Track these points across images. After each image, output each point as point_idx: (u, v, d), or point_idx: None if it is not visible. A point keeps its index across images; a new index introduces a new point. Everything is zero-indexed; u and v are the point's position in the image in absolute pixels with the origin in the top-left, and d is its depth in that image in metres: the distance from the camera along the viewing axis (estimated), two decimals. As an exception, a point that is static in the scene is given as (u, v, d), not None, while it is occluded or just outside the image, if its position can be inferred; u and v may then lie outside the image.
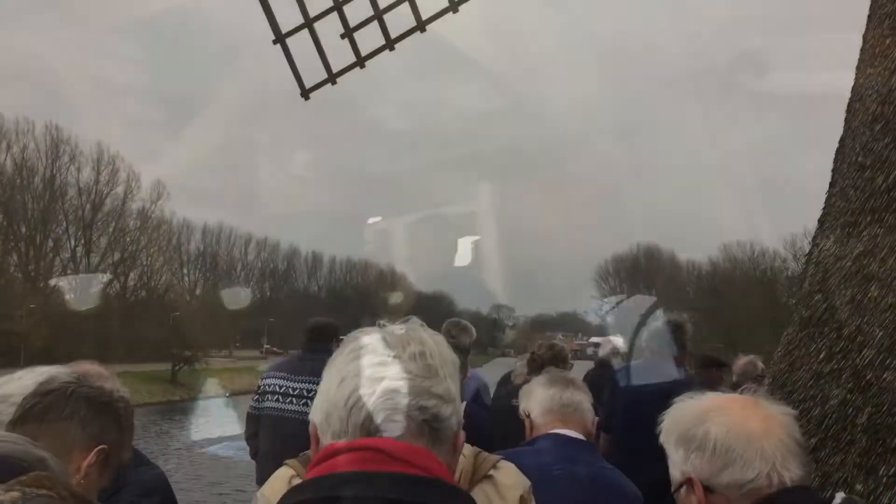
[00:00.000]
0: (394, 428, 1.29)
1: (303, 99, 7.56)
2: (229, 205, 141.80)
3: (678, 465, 1.83)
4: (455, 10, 6.64)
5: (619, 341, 5.86)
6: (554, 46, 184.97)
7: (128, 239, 71.32)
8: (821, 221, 3.98)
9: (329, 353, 3.80)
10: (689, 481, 1.78)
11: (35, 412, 1.92)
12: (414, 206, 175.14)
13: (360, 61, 7.14)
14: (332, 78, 7.34)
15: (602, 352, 6.66)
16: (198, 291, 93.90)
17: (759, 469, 1.69)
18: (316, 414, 1.39)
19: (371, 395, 1.31)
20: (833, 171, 4.11)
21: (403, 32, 6.88)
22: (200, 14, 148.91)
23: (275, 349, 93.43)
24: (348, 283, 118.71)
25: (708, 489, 1.73)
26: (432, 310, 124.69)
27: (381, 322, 1.56)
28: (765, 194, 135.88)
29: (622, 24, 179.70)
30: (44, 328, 50.34)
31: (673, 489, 1.85)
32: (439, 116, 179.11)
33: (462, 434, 1.41)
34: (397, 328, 1.46)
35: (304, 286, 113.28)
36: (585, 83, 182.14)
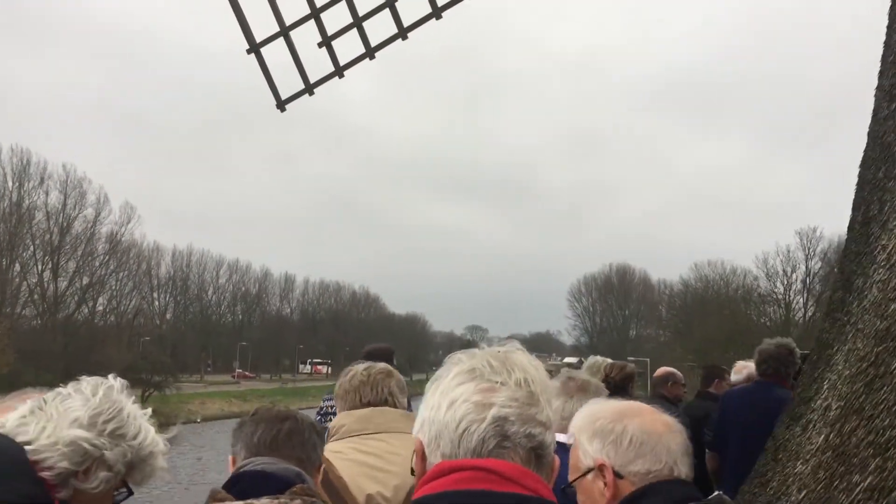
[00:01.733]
0: (504, 455, 1.38)
1: (279, 111, 7.33)
2: (200, 227, 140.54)
3: (590, 454, 2.08)
4: (438, 17, 6.46)
5: (752, 366, 6.13)
6: (521, 63, 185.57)
7: (97, 263, 70.08)
8: (880, 221, 3.44)
9: None
10: (601, 467, 2.05)
11: None
12: (386, 226, 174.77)
13: (339, 70, 6.92)
14: (309, 88, 7.11)
15: (736, 377, 6.74)
16: (168, 316, 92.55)
17: (665, 461, 2.00)
18: (423, 432, 1.46)
19: (482, 422, 1.39)
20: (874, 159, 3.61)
21: (384, 40, 6.67)
22: (171, 30, 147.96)
23: (247, 373, 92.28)
24: (321, 306, 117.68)
25: (617, 475, 2.02)
26: (406, 331, 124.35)
27: (483, 345, 1.59)
28: (735, 213, 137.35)
29: (589, 39, 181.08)
30: (9, 354, 49.21)
31: (579, 474, 2.10)
32: (408, 134, 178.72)
33: (556, 457, 1.49)
34: (498, 352, 1.51)
35: (277, 309, 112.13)
36: (551, 98, 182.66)
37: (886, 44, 3.64)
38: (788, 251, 54.40)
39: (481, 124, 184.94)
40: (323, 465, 2.31)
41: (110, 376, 2.03)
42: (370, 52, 6.73)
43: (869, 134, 3.67)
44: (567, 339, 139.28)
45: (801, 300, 54.43)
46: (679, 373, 7.35)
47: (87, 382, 1.96)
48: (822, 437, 3.06)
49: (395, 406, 3.01)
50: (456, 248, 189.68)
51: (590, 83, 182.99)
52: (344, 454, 2.79)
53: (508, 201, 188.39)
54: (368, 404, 2.97)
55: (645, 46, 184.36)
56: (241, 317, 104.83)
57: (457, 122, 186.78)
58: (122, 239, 72.98)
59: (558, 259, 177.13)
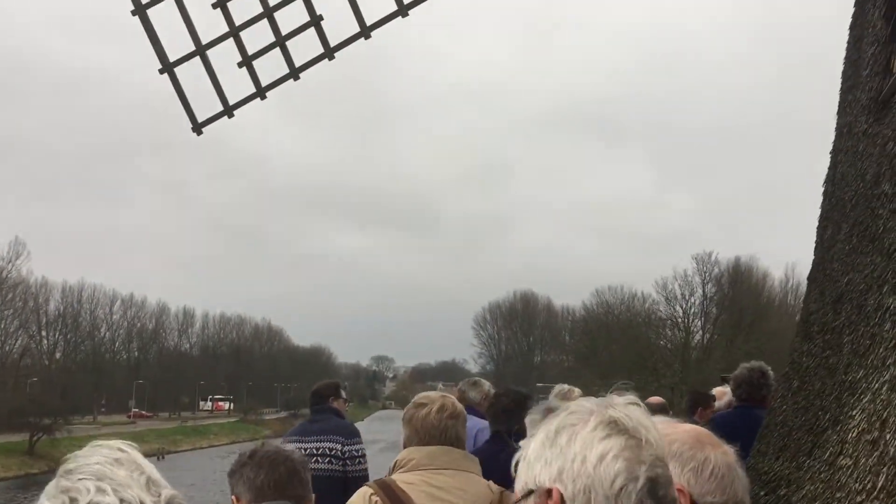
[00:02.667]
0: None
1: (195, 134, 6.91)
2: (92, 261, 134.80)
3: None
4: (367, 36, 6.21)
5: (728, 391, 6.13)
6: (423, 91, 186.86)
7: (-20, 301, 66.14)
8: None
9: (333, 412, 5.24)
10: (680, 492, 1.88)
11: None
12: (288, 257, 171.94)
13: (261, 92, 6.57)
14: (228, 111, 6.73)
15: (717, 403, 6.58)
16: (58, 355, 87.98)
17: (739, 496, 1.87)
18: (562, 483, 1.40)
19: (636, 481, 1.36)
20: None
21: (310, 60, 6.36)
22: (48, 51, 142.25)
23: (144, 413, 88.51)
24: (222, 340, 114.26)
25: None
26: (310, 364, 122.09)
27: (604, 393, 1.52)
28: (635, 238, 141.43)
29: (490, 66, 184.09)
30: None
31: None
32: (308, 163, 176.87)
33: None
34: (627, 404, 1.46)
35: (176, 344, 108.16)
36: (454, 126, 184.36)
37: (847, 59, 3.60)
38: (686, 275, 56.23)
39: (384, 153, 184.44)
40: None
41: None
42: (294, 73, 6.41)
43: (832, 151, 3.63)
44: (473, 367, 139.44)
45: (699, 323, 56.24)
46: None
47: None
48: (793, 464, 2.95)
49: (460, 447, 3.23)
50: (360, 277, 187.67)
51: (493, 109, 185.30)
52: (416, 485, 3.00)
53: (414, 230, 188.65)
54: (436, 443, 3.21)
55: (546, 71, 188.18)
56: (136, 354, 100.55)
57: (359, 151, 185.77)
58: (8, 276, 69.22)
59: (464, 287, 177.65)
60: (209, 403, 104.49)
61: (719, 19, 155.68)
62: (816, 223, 3.71)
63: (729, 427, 5.54)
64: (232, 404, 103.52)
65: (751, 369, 5.62)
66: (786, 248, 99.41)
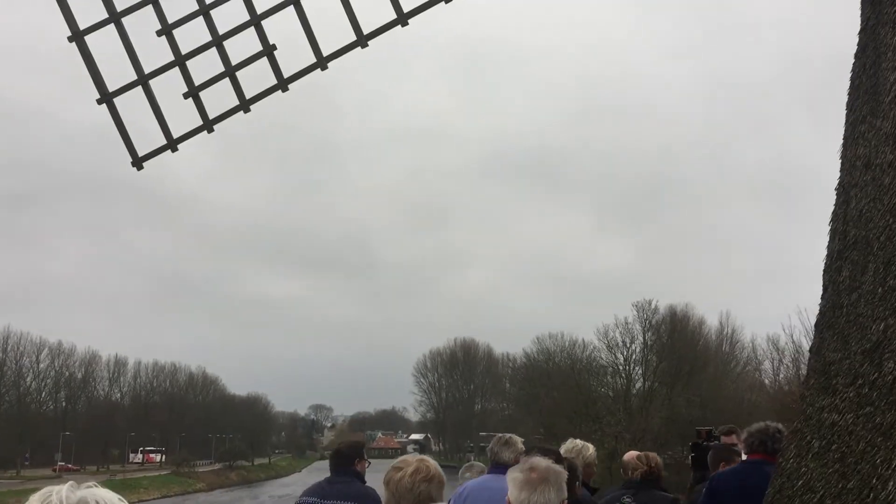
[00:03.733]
0: None
1: (135, 168, 6.46)
2: (17, 308, 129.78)
3: None
4: (324, 67, 5.89)
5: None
6: (355, 130, 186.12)
7: None
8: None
9: (355, 474, 5.09)
10: None
11: None
12: (223, 303, 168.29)
13: (208, 125, 6.17)
14: (172, 144, 6.32)
15: None
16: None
17: None
18: None
19: None
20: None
21: (261, 92, 6.01)
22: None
23: (70, 466, 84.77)
24: (155, 389, 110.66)
25: None
26: (247, 413, 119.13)
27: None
28: (575, 284, 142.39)
29: (429, 107, 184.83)
30: None
31: None
32: (241, 206, 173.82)
33: None
34: None
35: (106, 393, 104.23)
36: (390, 167, 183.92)
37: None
38: (627, 323, 56.65)
39: (320, 196, 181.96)
40: None
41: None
42: (245, 105, 6.05)
43: (839, 187, 3.40)
44: (413, 416, 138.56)
45: (640, 370, 56.50)
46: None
47: None
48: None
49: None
50: (297, 324, 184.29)
51: (429, 153, 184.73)
52: None
53: (351, 275, 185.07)
54: None
55: (484, 116, 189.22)
56: (64, 404, 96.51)
57: (295, 194, 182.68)
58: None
59: (403, 334, 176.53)
60: (140, 455, 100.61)
61: (668, 77, 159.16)
62: (823, 265, 3.47)
63: (736, 483, 5.39)
64: (164, 456, 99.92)
65: (767, 424, 5.49)
66: (719, 296, 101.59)
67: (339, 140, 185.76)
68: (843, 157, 3.60)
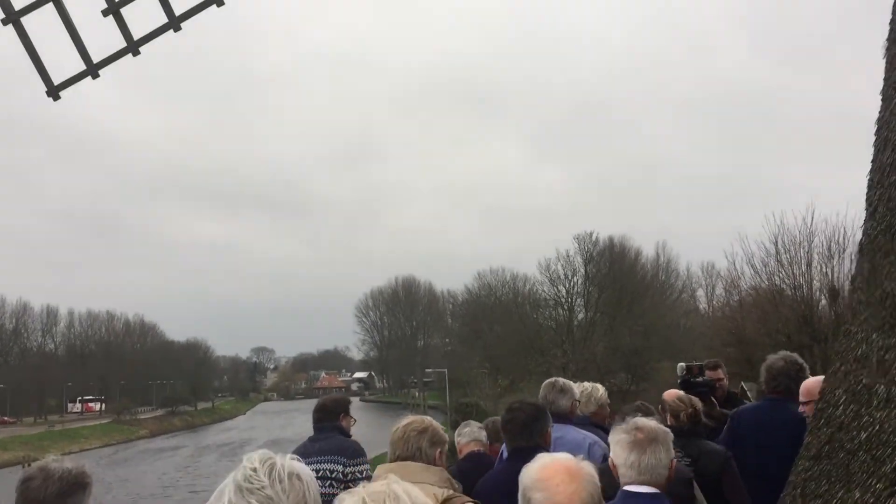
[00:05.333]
0: None
1: (50, 98, 5.69)
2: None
3: None
4: (220, 4, 5.21)
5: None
6: (284, 62, 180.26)
7: None
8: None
9: (339, 430, 5.06)
10: None
11: None
12: (154, 247, 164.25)
13: (133, 46, 5.44)
14: (92, 70, 5.56)
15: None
16: None
17: None
18: None
19: None
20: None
21: (195, 6, 5.29)
22: None
23: (6, 419, 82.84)
24: (91, 338, 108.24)
25: None
26: (187, 359, 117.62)
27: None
28: (513, 217, 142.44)
29: (355, 34, 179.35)
30: None
31: None
32: (164, 143, 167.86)
33: None
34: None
35: (39, 345, 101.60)
36: (319, 100, 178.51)
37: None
38: (568, 256, 56.96)
39: (247, 131, 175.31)
40: None
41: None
42: (174, 23, 5.32)
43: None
44: (356, 355, 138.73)
45: (582, 302, 57.11)
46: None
47: None
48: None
49: (422, 458, 3.51)
50: (234, 266, 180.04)
51: (358, 82, 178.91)
52: None
53: (286, 214, 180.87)
54: (399, 458, 3.52)
55: (415, 40, 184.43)
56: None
57: (219, 130, 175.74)
58: None
59: (343, 272, 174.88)
60: (79, 405, 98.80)
61: None
62: (868, 180, 3.06)
63: (754, 422, 5.14)
64: (104, 405, 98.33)
65: (786, 360, 5.13)
66: (655, 226, 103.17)
67: (262, 71, 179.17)
68: (890, 50, 3.15)
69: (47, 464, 3.00)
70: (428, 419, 3.70)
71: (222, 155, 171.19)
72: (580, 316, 56.64)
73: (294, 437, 71.02)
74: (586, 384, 5.58)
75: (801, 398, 4.60)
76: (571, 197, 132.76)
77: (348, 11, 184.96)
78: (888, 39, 3.25)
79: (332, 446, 5.44)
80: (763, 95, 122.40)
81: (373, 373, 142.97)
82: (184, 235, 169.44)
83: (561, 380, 5.19)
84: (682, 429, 4.75)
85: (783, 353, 5.33)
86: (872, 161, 3.16)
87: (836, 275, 30.28)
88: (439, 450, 3.61)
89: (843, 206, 33.11)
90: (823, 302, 30.66)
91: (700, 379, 6.49)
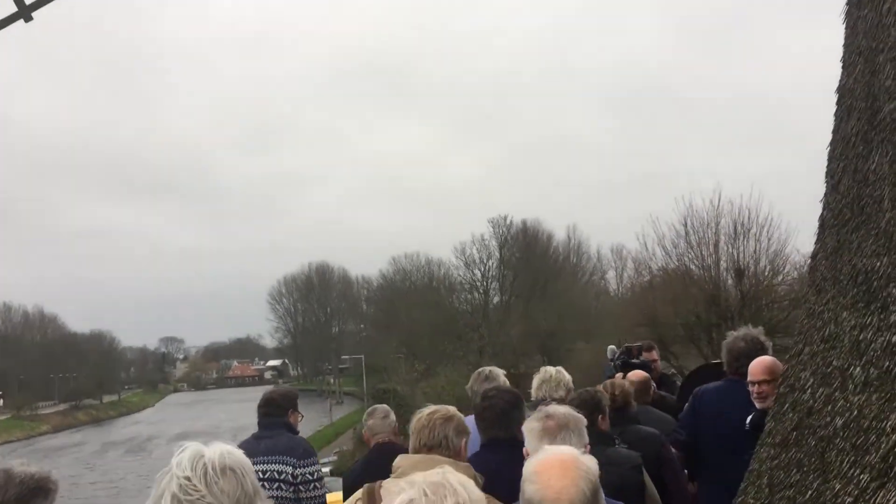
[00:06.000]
0: None
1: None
2: None
3: None
4: None
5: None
6: (185, 36, 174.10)
7: None
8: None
9: (287, 427, 4.66)
10: None
11: None
12: (50, 233, 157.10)
13: (25, 11, 4.91)
14: (25, 12, 5.02)
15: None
16: None
17: None
18: None
19: None
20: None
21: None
22: None
23: None
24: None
25: None
26: (92, 351, 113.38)
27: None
28: (428, 201, 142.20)
29: (261, 13, 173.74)
30: None
31: None
32: (54, 122, 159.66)
33: None
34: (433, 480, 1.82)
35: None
36: (225, 78, 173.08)
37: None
38: (483, 239, 57.26)
39: (151, 112, 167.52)
40: None
41: None
42: (72, -15, 4.84)
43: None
44: (270, 342, 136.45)
45: (497, 285, 57.59)
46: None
47: None
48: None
49: (448, 447, 3.35)
50: (138, 253, 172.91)
51: (269, 63, 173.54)
52: (395, 494, 2.85)
53: (192, 199, 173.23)
54: (425, 446, 3.36)
55: (330, 21, 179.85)
56: None
57: (122, 109, 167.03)
58: None
59: (255, 259, 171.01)
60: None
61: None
62: (828, 151, 2.92)
63: (716, 401, 5.05)
64: (2, 401, 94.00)
65: (747, 339, 4.97)
66: (567, 209, 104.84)
67: (167, 49, 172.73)
68: (851, 15, 3.03)
69: (11, 467, 2.93)
70: (452, 408, 3.56)
71: (126, 137, 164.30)
72: (495, 299, 57.11)
73: (207, 428, 69.43)
74: (549, 368, 5.35)
75: (757, 377, 4.52)
76: (486, 181, 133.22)
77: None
78: (847, 3, 3.15)
79: (281, 445, 5.07)
80: (672, 80, 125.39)
81: (287, 360, 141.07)
82: (84, 221, 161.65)
83: (487, 368, 5.05)
84: (617, 414, 4.72)
85: (743, 331, 5.18)
86: (833, 131, 3.05)
87: (741, 255, 31.22)
88: (465, 440, 3.48)
89: (748, 187, 34.10)
90: (730, 282, 31.58)
91: (637, 360, 6.44)
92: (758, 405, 4.73)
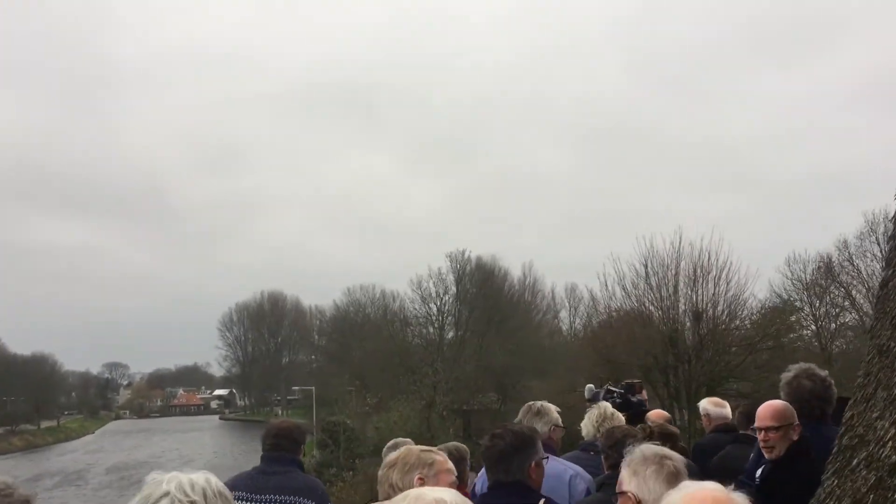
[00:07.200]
0: None
1: None
2: None
3: None
4: None
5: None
6: (145, 57, 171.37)
7: None
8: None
9: (297, 464, 4.18)
10: None
11: None
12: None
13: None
14: None
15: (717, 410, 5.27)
16: None
17: None
18: None
19: None
20: None
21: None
22: None
23: None
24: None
25: None
26: (32, 375, 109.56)
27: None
28: (385, 232, 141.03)
29: (222, 32, 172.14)
30: None
31: None
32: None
33: None
34: None
35: None
36: (184, 99, 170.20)
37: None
38: (440, 273, 56.84)
39: (107, 130, 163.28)
40: None
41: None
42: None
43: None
44: (218, 371, 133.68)
45: (452, 320, 57.09)
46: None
47: None
48: None
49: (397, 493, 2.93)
50: (86, 275, 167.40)
51: (228, 84, 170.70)
52: None
53: (144, 220, 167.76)
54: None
55: (292, 45, 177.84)
56: None
57: (75, 126, 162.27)
58: None
59: (207, 286, 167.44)
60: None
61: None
62: None
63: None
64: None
65: (812, 379, 4.49)
66: (523, 246, 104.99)
67: (123, 65, 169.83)
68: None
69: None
70: (402, 449, 3.21)
71: (78, 154, 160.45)
72: (450, 334, 56.56)
73: (147, 458, 67.17)
74: (606, 405, 4.95)
75: (764, 423, 4.09)
76: (445, 215, 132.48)
77: (222, 8, 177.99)
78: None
79: (297, 484, 4.51)
80: (637, 120, 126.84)
81: (234, 390, 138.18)
82: (28, 239, 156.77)
83: (538, 403, 4.69)
84: None
85: (799, 368, 4.69)
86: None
87: (699, 298, 31.24)
88: (417, 474, 3.08)
89: (708, 230, 34.31)
90: (688, 324, 31.56)
91: (635, 399, 6.03)
92: (766, 455, 4.30)
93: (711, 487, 2.09)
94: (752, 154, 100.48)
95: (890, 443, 2.30)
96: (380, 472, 3.02)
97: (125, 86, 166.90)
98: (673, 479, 2.71)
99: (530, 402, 4.74)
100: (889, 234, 2.59)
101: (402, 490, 2.79)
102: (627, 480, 2.82)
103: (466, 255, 58.01)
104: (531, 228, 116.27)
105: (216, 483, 2.03)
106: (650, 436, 4.45)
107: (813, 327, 36.69)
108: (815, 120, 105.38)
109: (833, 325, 36.87)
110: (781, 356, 31.58)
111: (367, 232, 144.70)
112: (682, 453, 4.53)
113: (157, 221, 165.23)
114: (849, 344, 36.23)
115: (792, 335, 34.70)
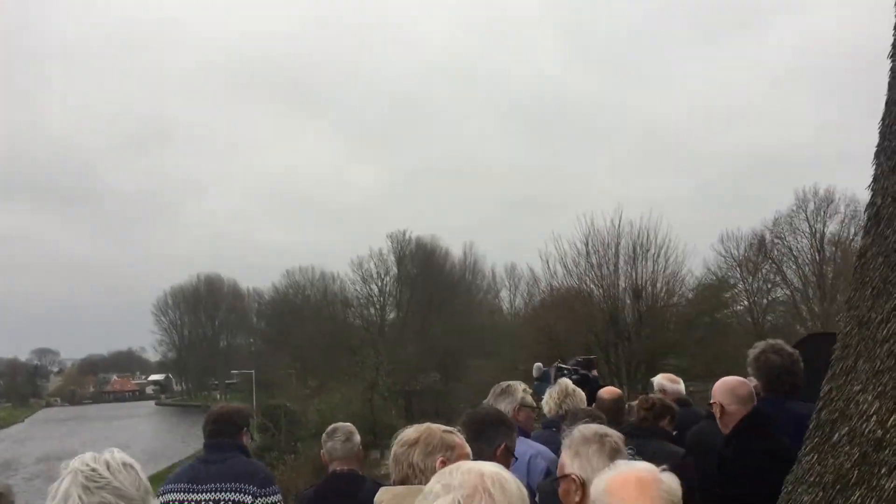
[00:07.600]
0: None
1: None
2: None
3: None
4: None
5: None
6: (71, 29, 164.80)
7: None
8: None
9: (239, 449, 3.97)
10: None
11: None
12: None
13: None
14: None
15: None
16: None
17: None
18: None
19: None
20: None
21: None
22: None
23: None
24: None
25: None
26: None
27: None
28: (324, 214, 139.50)
29: (148, 8, 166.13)
30: None
31: None
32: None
33: None
34: None
35: None
36: (110, 76, 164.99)
37: None
38: (381, 254, 56.51)
39: (30, 109, 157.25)
40: None
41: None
42: None
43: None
44: (153, 356, 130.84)
45: (393, 301, 56.89)
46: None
47: None
48: None
49: (417, 475, 2.92)
50: (11, 259, 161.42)
51: (157, 61, 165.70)
52: None
53: (71, 203, 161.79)
54: (397, 481, 2.99)
55: (222, 20, 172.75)
56: None
57: None
58: None
59: (140, 269, 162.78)
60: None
61: None
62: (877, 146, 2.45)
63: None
64: None
65: (780, 354, 4.43)
66: (464, 226, 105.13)
67: (47, 41, 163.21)
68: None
69: None
70: (422, 427, 3.00)
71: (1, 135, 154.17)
72: (392, 315, 56.38)
73: (80, 447, 64.88)
74: (567, 382, 4.86)
75: (732, 403, 4.03)
76: (386, 195, 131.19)
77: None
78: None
79: (237, 470, 4.30)
80: (576, 101, 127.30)
81: (170, 375, 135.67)
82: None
83: (505, 383, 4.58)
84: (643, 427, 4.52)
85: (766, 343, 4.64)
86: (888, 103, 2.57)
87: (639, 276, 31.69)
88: (440, 457, 2.92)
89: (647, 210, 34.83)
90: (628, 302, 32.00)
91: (591, 374, 5.97)
92: (724, 430, 4.27)
93: (639, 468, 2.10)
94: (689, 134, 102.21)
95: (874, 417, 2.23)
96: (395, 450, 2.89)
97: (49, 66, 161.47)
98: (615, 456, 2.68)
99: (498, 383, 4.66)
100: (866, 208, 2.56)
101: (423, 471, 2.78)
102: (570, 462, 2.77)
103: (407, 236, 57.80)
104: (472, 210, 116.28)
105: (120, 455, 2.17)
106: (651, 408, 4.52)
107: (746, 303, 37.62)
108: (752, 100, 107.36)
109: (765, 301, 37.87)
110: (717, 331, 32.34)
111: (306, 215, 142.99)
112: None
113: (86, 202, 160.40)
114: (779, 318, 37.29)
115: (726, 311, 35.52)
